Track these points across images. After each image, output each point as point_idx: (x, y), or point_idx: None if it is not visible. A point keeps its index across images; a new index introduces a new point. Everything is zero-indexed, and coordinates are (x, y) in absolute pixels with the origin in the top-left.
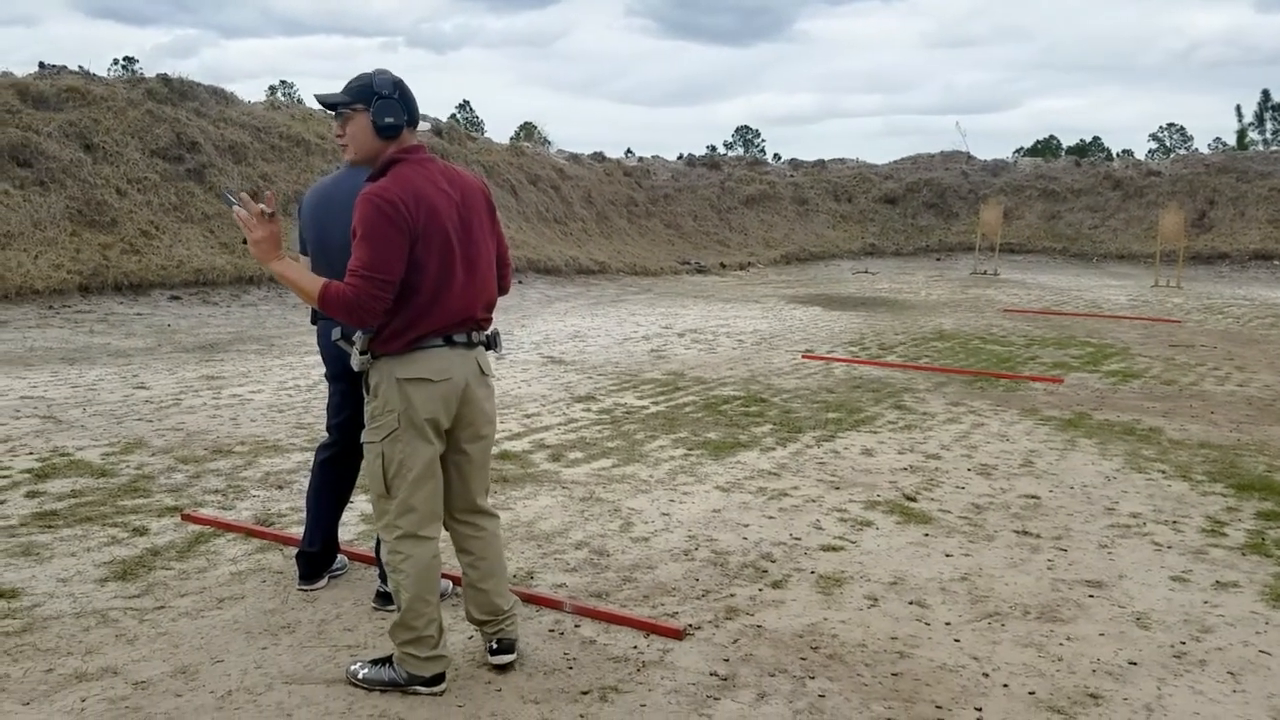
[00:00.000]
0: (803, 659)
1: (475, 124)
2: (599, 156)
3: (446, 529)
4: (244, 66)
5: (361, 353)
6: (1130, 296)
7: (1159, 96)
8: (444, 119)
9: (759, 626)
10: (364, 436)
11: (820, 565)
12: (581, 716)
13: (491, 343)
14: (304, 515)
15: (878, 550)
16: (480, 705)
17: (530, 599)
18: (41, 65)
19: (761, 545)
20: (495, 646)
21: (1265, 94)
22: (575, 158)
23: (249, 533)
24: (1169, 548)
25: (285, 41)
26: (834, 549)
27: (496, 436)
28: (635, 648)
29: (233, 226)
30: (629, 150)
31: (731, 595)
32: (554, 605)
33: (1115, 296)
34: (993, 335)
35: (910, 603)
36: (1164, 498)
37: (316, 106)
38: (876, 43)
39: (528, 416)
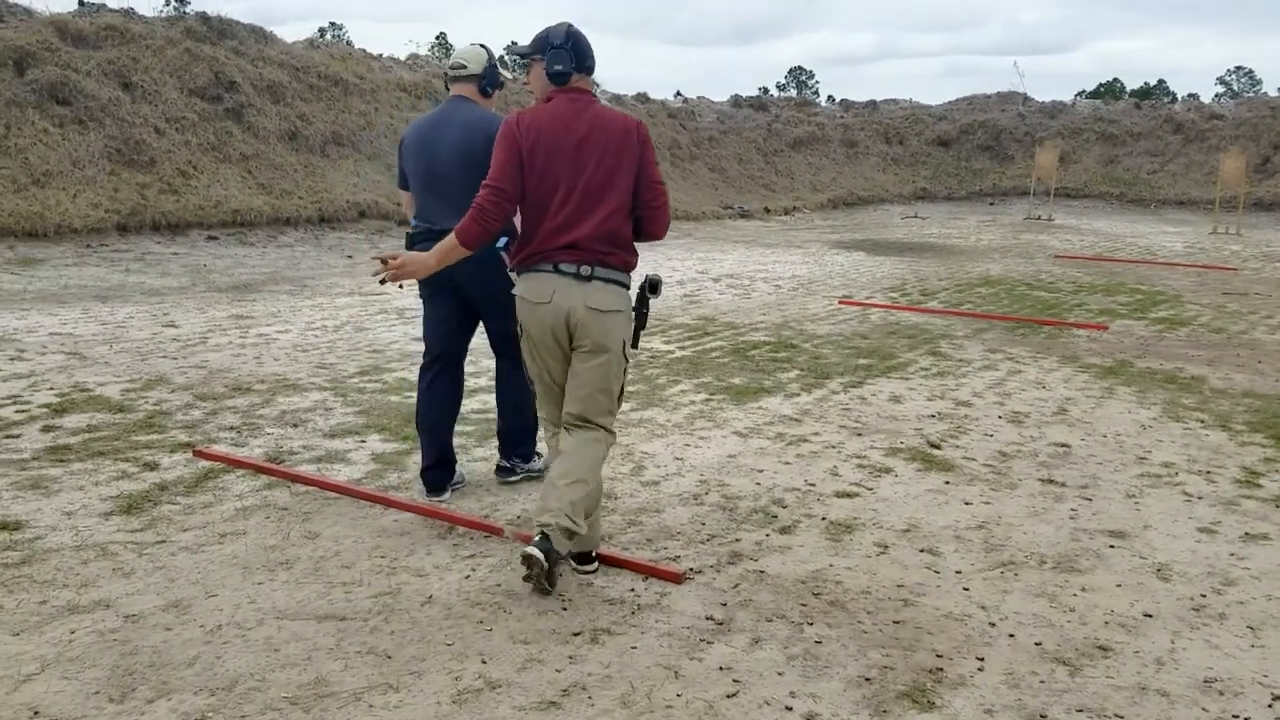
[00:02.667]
0: (803, 605)
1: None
2: (643, 98)
3: None
4: (293, 7)
5: (511, 270)
6: (1187, 243)
7: (1228, 38)
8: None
9: (761, 572)
10: None
11: (832, 512)
12: (570, 658)
13: (655, 285)
14: (328, 452)
15: (894, 498)
16: (469, 644)
17: (530, 541)
18: (81, 3)
19: (774, 491)
20: (546, 551)
21: None
22: (618, 99)
23: (258, 469)
24: (1199, 498)
25: None
26: (848, 495)
27: None
28: (633, 591)
29: (271, 167)
30: (678, 92)
31: (737, 540)
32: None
33: (1171, 243)
34: (1040, 281)
35: (921, 550)
36: (1200, 447)
37: (360, 46)
38: None
39: None
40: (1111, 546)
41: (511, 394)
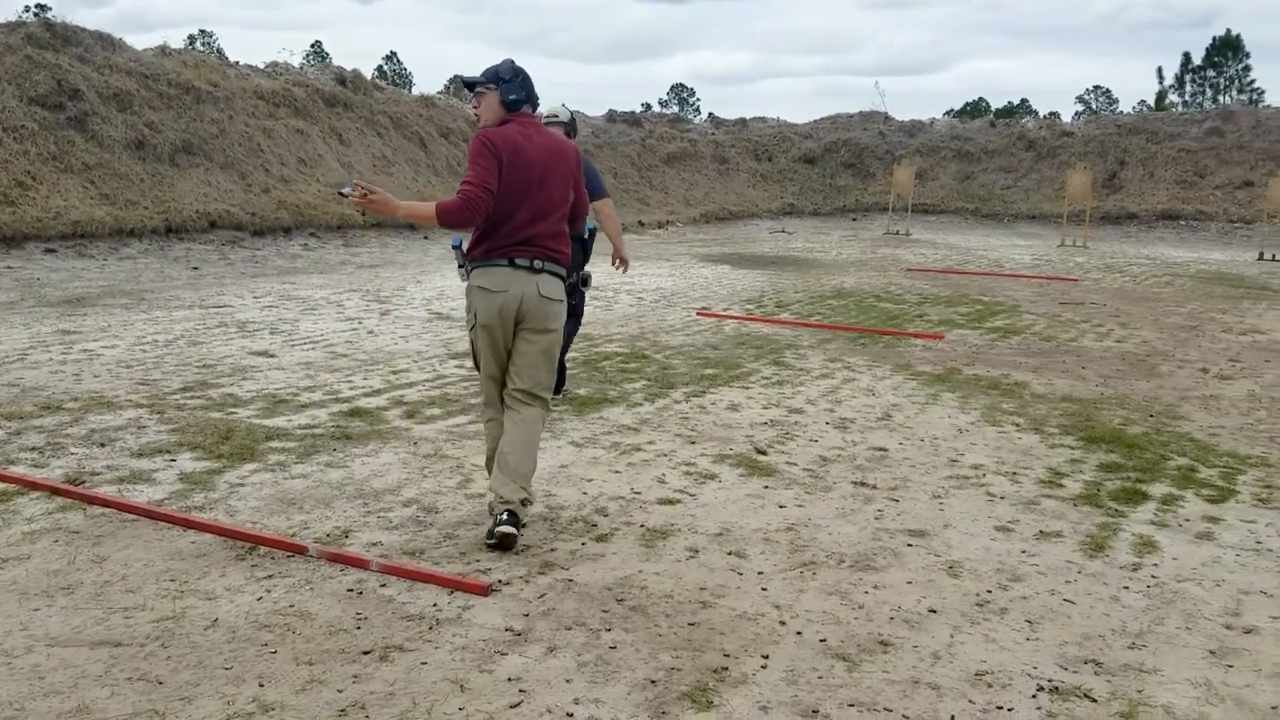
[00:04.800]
0: (605, 611)
1: (403, 76)
2: None
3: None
4: (164, 14)
5: (460, 265)
6: (1035, 256)
7: (1087, 59)
8: (349, 69)
9: (570, 580)
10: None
11: (651, 519)
12: (355, 677)
13: (586, 279)
14: (132, 472)
15: (713, 503)
16: (248, 668)
17: (336, 559)
18: None
19: (599, 500)
20: (499, 518)
21: (1186, 56)
22: None
23: (54, 491)
24: (1002, 498)
25: None
26: (670, 502)
27: (352, 394)
28: (435, 605)
29: (116, 177)
30: (562, 106)
31: (552, 550)
32: (360, 564)
33: (1020, 256)
34: (889, 294)
35: (729, 553)
36: (1011, 450)
37: (231, 54)
38: (815, 2)
39: (394, 373)
40: (909, 545)
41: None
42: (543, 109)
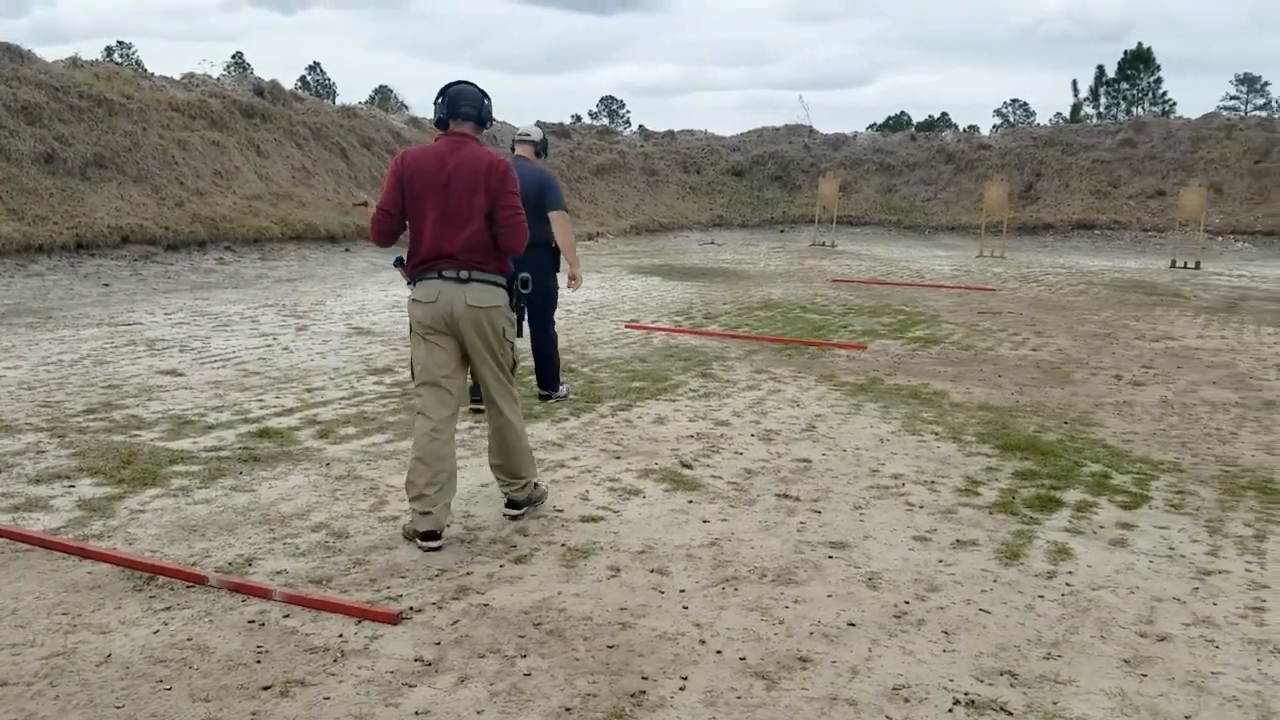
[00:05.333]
0: (521, 636)
1: (326, 86)
2: (441, 122)
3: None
4: (81, 27)
5: (408, 282)
6: (954, 266)
7: (1005, 73)
8: (267, 80)
9: (486, 605)
10: None
11: (573, 537)
12: (254, 714)
13: (525, 284)
14: (28, 499)
15: (637, 519)
16: (141, 706)
17: (237, 588)
18: None
19: (520, 520)
20: (506, 504)
21: (1100, 70)
22: (416, 121)
23: None
24: (921, 508)
25: (121, 1)
26: (593, 520)
27: (262, 414)
28: (341, 636)
29: (23, 192)
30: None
31: (469, 574)
32: (263, 594)
33: (940, 266)
34: (815, 305)
35: (651, 571)
36: (930, 459)
37: (150, 66)
38: (739, 15)
39: (309, 391)
40: (830, 557)
41: (540, 344)
42: (520, 128)
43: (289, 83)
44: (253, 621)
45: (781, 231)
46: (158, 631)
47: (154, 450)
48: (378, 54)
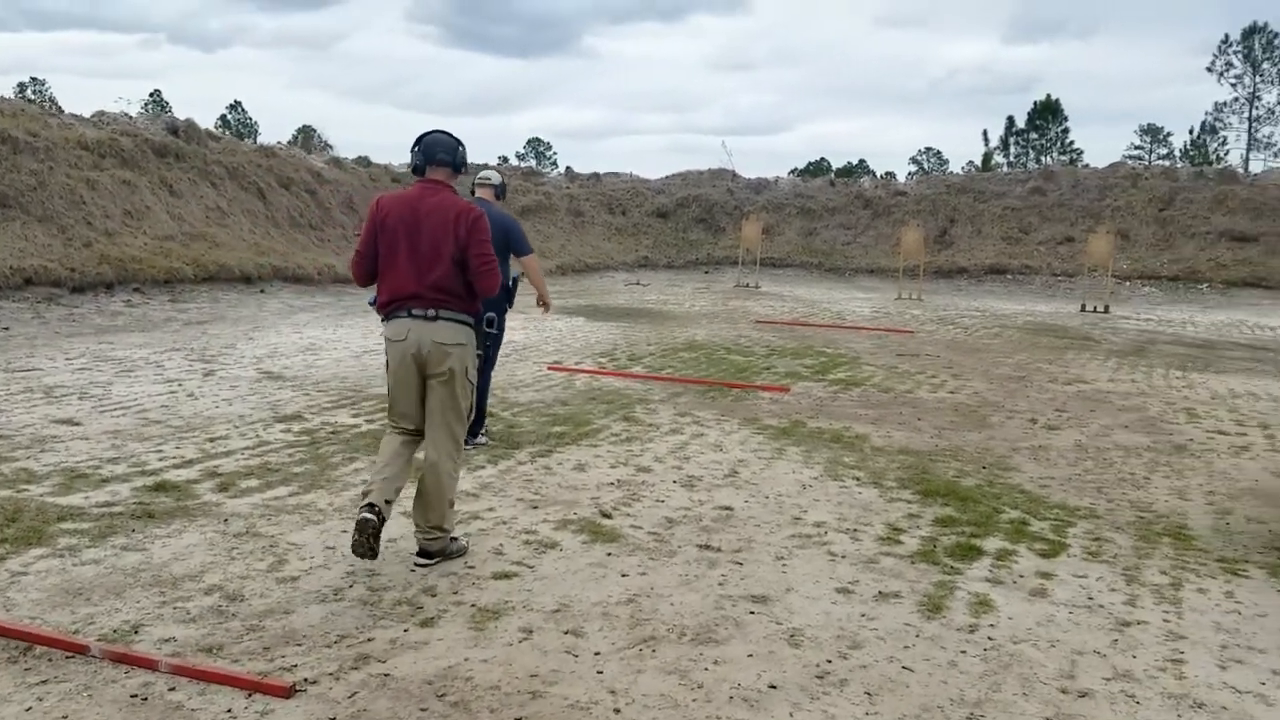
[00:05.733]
0: (423, 710)
1: (248, 125)
2: (364, 162)
3: None
4: None
5: (382, 320)
6: (874, 308)
7: (920, 122)
8: (182, 118)
9: (387, 675)
10: None
11: (484, 596)
12: None
13: (491, 322)
14: None
15: (553, 575)
16: None
17: (121, 659)
18: None
19: (428, 578)
20: (417, 552)
21: (1010, 120)
22: (337, 161)
23: None
24: (843, 557)
25: (36, 36)
26: (506, 576)
27: (161, 466)
28: (230, 711)
29: None
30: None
31: (370, 640)
32: (148, 665)
33: (860, 308)
34: (738, 346)
35: (566, 632)
36: (852, 505)
37: (64, 103)
38: (663, 63)
39: (211, 440)
40: (752, 613)
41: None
42: (481, 172)
43: (209, 122)
44: (135, 695)
45: (706, 272)
46: (30, 709)
47: (42, 506)
48: (301, 94)
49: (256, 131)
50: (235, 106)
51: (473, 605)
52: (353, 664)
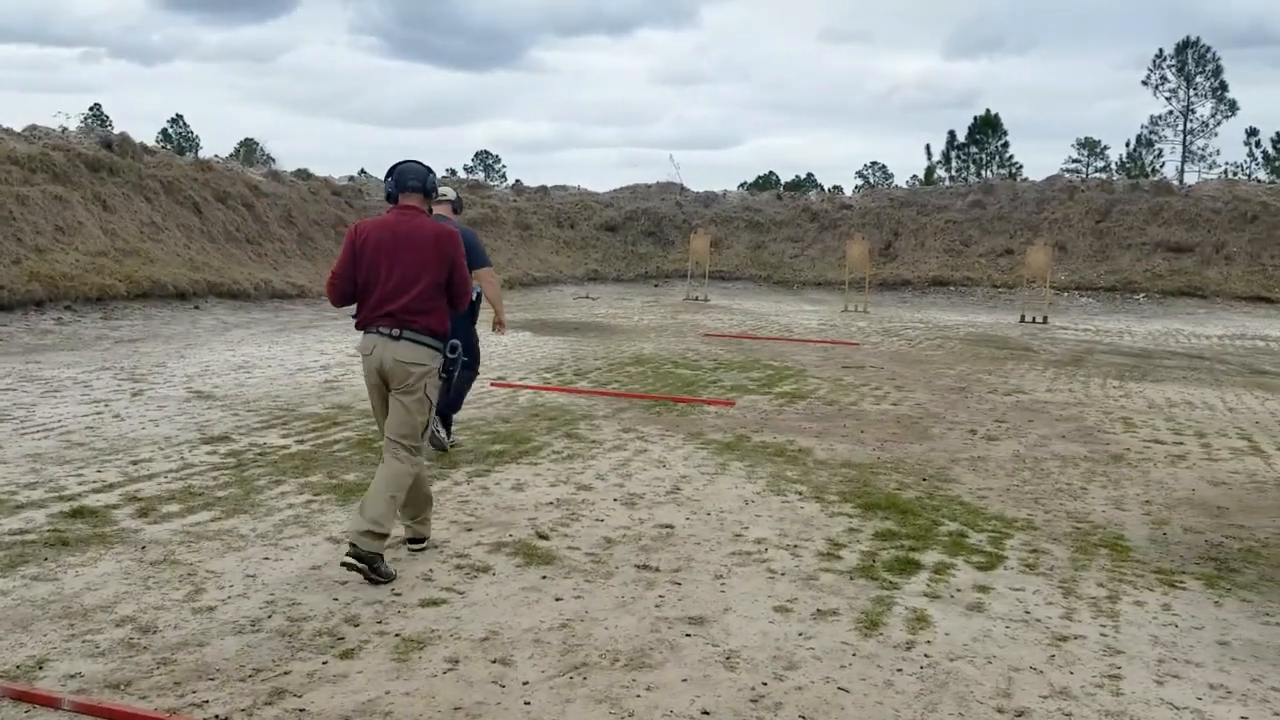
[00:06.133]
0: None
1: (189, 139)
2: (303, 174)
3: None
4: None
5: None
6: (821, 321)
7: (865, 137)
8: (116, 132)
9: (302, 711)
10: None
11: (410, 625)
12: None
13: (454, 350)
14: None
15: (484, 600)
16: None
17: (21, 697)
18: None
19: (352, 606)
20: (349, 548)
21: (951, 134)
22: (276, 175)
23: None
24: (782, 574)
25: None
26: (434, 604)
27: (80, 490)
28: None
29: None
30: (362, 170)
31: (286, 673)
32: (50, 704)
33: (808, 321)
34: (686, 359)
35: (494, 661)
36: (794, 520)
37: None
38: (610, 77)
39: (134, 463)
40: (688, 635)
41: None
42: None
43: (150, 136)
44: None
45: (655, 286)
46: None
47: None
48: (244, 107)
49: (198, 145)
50: (177, 120)
51: (397, 635)
52: (267, 699)
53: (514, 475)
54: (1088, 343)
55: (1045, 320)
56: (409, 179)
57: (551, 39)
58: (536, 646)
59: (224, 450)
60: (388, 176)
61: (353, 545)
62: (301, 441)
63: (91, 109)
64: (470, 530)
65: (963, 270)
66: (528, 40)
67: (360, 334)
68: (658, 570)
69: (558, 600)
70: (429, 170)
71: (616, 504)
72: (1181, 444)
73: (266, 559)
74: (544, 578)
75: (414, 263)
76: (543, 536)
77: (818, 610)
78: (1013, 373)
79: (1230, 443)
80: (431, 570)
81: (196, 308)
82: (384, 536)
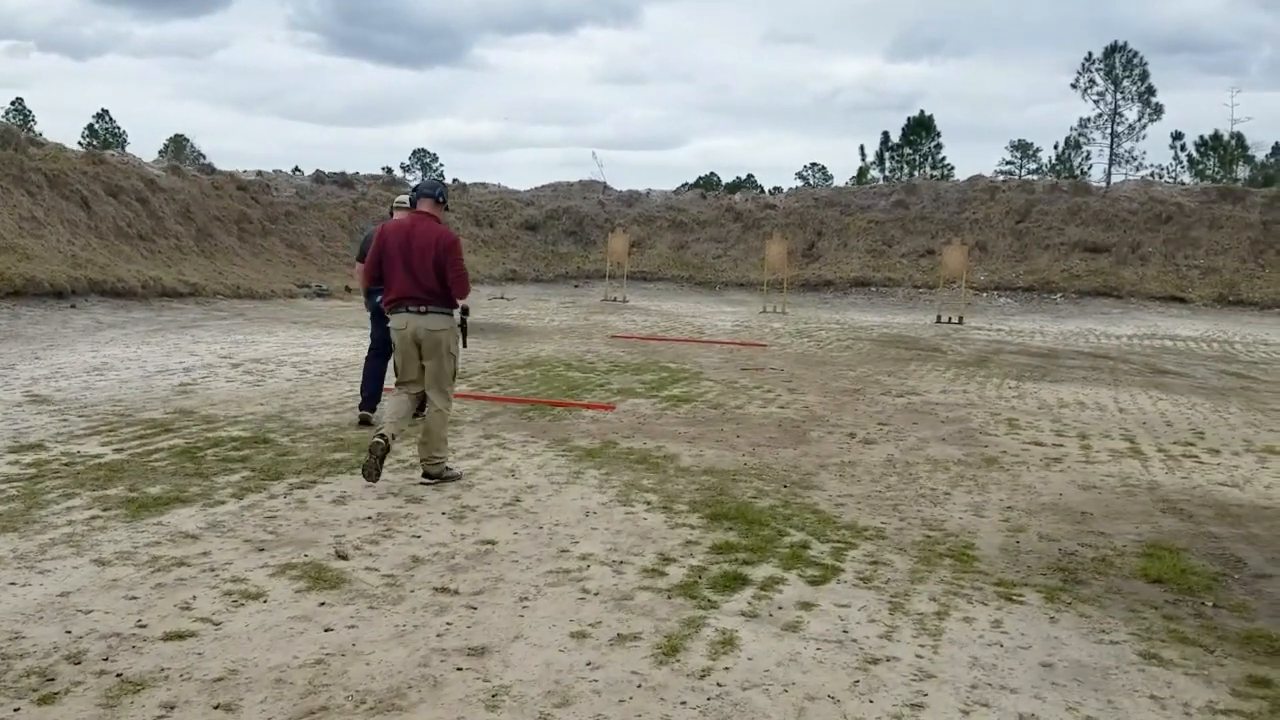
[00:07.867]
0: None
1: (116, 135)
2: (208, 169)
3: None
4: None
5: (386, 314)
6: (737, 322)
7: (806, 138)
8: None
9: None
10: None
11: (139, 664)
12: None
13: (465, 310)
14: None
15: (239, 633)
16: None
17: None
18: None
19: (84, 640)
20: (422, 474)
21: (885, 135)
22: (175, 169)
23: None
24: (595, 595)
25: None
26: (179, 637)
27: None
28: None
29: None
30: (296, 168)
31: None
32: None
33: (723, 322)
34: (582, 362)
35: (216, 707)
36: (631, 533)
37: None
38: (553, 76)
39: None
40: (460, 669)
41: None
42: (398, 198)
43: (75, 131)
44: None
45: (576, 286)
46: None
47: None
48: (178, 104)
49: (125, 141)
50: (103, 115)
51: (119, 675)
52: None
53: (342, 487)
54: (998, 343)
55: (961, 320)
56: (425, 189)
57: (493, 36)
58: (275, 688)
59: (28, 460)
60: (413, 190)
61: (425, 473)
62: (120, 450)
63: (13, 103)
64: (262, 550)
65: (884, 270)
66: (470, 38)
67: (391, 314)
68: (456, 593)
69: (326, 631)
70: (440, 182)
71: (444, 518)
72: (1061, 446)
73: (13, 583)
74: (322, 604)
75: (424, 257)
76: (342, 557)
77: (617, 635)
78: (914, 374)
79: (1112, 444)
80: (195, 598)
81: (73, 306)
82: (442, 459)
